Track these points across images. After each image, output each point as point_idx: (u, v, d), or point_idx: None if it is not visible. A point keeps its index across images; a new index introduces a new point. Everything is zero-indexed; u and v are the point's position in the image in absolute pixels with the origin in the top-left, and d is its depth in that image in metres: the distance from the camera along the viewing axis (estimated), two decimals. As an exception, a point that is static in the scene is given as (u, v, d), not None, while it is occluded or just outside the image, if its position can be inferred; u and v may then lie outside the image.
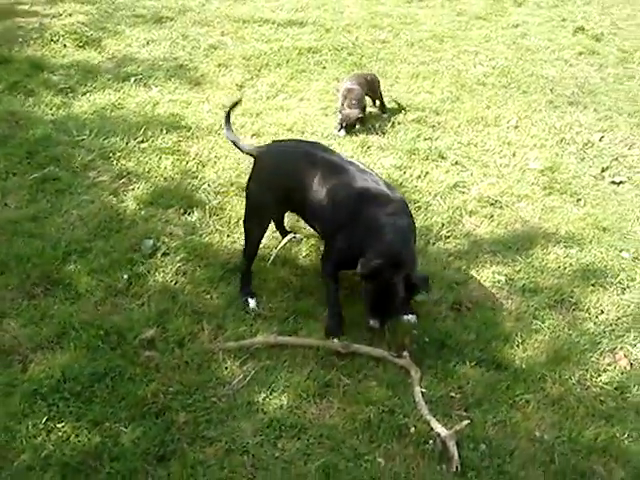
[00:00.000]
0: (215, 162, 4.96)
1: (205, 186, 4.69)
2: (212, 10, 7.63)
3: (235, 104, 4.28)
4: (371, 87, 5.78)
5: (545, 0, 8.93)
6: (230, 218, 4.41)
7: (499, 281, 4.13)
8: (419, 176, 5.02)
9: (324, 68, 6.51)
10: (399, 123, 5.69)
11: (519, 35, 7.76)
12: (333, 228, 3.72)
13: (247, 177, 3.98)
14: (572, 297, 4.09)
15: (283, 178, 3.83)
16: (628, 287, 4.23)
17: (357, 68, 6.49)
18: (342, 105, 5.54)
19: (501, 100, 6.24)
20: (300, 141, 4.42)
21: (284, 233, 4.27)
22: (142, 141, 5.12)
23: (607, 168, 5.43)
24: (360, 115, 5.47)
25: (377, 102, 5.90)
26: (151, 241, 4.15)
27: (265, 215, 3.96)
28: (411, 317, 3.83)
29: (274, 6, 7.89)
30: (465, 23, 7.94)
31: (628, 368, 3.69)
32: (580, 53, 7.46)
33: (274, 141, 4.36)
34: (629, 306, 4.09)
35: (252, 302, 3.82)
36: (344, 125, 5.46)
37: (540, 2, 8.85)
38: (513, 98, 6.29)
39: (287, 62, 6.54)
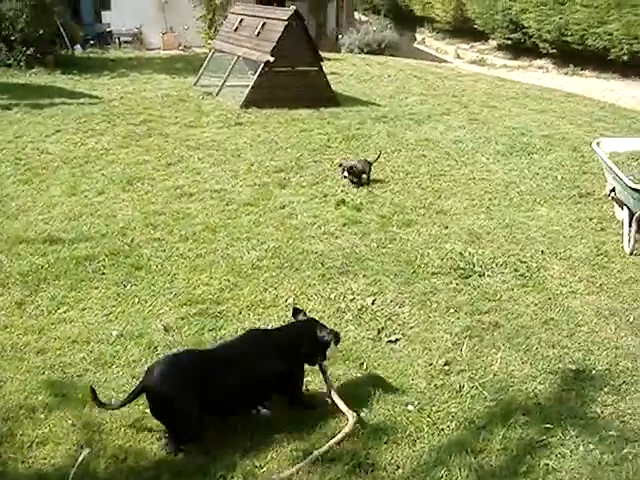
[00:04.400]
0: (1, 386, 4.85)
1: (-8, 414, 4.59)
2: (-17, 230, 7.56)
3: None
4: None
5: (305, 180, 9.54)
6: (23, 443, 4.31)
7: (298, 457, 4.26)
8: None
9: (103, 274, 6.57)
10: (182, 319, 5.82)
11: (286, 215, 8.22)
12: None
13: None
14: (369, 459, 4.29)
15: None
16: (418, 438, 4.50)
17: (136, 270, 6.65)
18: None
19: (277, 281, 6.54)
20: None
21: None
22: None
23: (383, 329, 5.79)
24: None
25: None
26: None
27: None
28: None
29: (47, 218, 7.93)
30: (234, 211, 8.31)
31: (431, 518, 3.92)
32: (344, 224, 7.98)
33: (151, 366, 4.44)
34: (421, 456, 4.34)
35: None
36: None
37: (302, 182, 9.44)
38: (288, 277, 6.61)
39: (65, 273, 6.55)
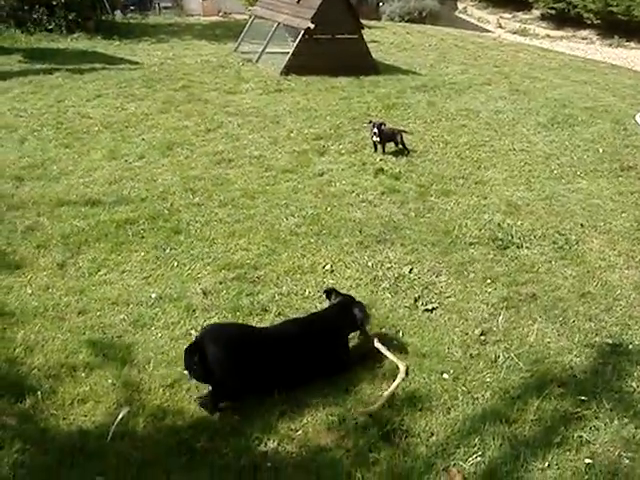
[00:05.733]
0: (43, 345, 4.95)
1: (35, 371, 4.68)
2: (26, 192, 7.64)
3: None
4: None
5: (345, 147, 9.54)
6: (64, 400, 4.41)
7: (333, 422, 4.32)
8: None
9: (142, 238, 6.64)
10: (220, 283, 5.88)
11: (325, 183, 8.23)
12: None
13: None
14: (403, 425, 4.34)
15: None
16: (452, 406, 4.53)
17: (175, 234, 6.71)
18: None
19: (314, 247, 6.57)
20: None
21: None
22: (-35, 334, 5.05)
23: (419, 297, 5.81)
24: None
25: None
26: (-17, 438, 4.08)
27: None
28: None
29: (88, 181, 8.01)
30: (273, 178, 8.34)
31: (463, 483, 3.94)
32: (382, 193, 7.98)
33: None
34: (455, 424, 4.38)
35: None
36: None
37: (341, 150, 9.45)
38: (326, 244, 6.65)
39: (106, 236, 6.63)
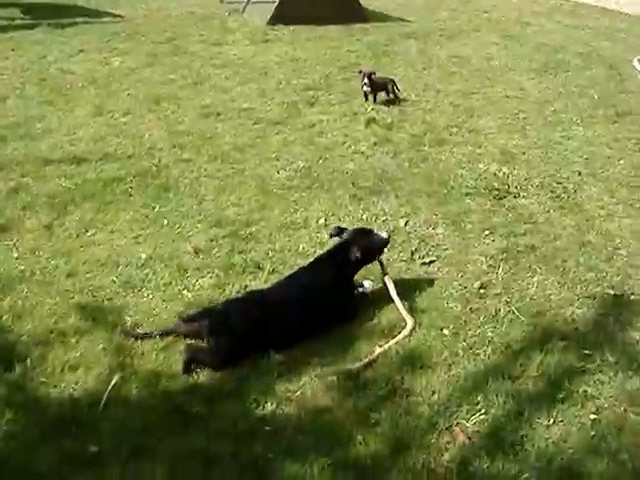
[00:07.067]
0: (31, 311, 4.79)
1: (24, 338, 4.53)
2: (9, 152, 7.45)
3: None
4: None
5: (335, 97, 9.36)
6: (54, 367, 4.26)
7: (332, 382, 4.21)
8: (239, 292, 5.07)
9: (130, 196, 6.48)
10: (211, 240, 5.74)
11: (316, 134, 8.07)
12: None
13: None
14: (403, 384, 4.22)
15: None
16: (453, 363, 4.42)
17: (164, 191, 6.55)
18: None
19: (307, 201, 6.43)
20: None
21: None
22: (-52, 304, 4.89)
23: (416, 250, 5.69)
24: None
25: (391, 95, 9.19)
26: (-28, 409, 3.95)
27: None
28: None
29: (73, 139, 7.82)
30: (263, 130, 8.16)
31: (466, 442, 3.82)
32: (375, 143, 7.82)
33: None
34: (457, 381, 4.26)
35: None
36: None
37: (331, 100, 9.26)
38: (318, 197, 6.50)
39: (93, 195, 6.46)
